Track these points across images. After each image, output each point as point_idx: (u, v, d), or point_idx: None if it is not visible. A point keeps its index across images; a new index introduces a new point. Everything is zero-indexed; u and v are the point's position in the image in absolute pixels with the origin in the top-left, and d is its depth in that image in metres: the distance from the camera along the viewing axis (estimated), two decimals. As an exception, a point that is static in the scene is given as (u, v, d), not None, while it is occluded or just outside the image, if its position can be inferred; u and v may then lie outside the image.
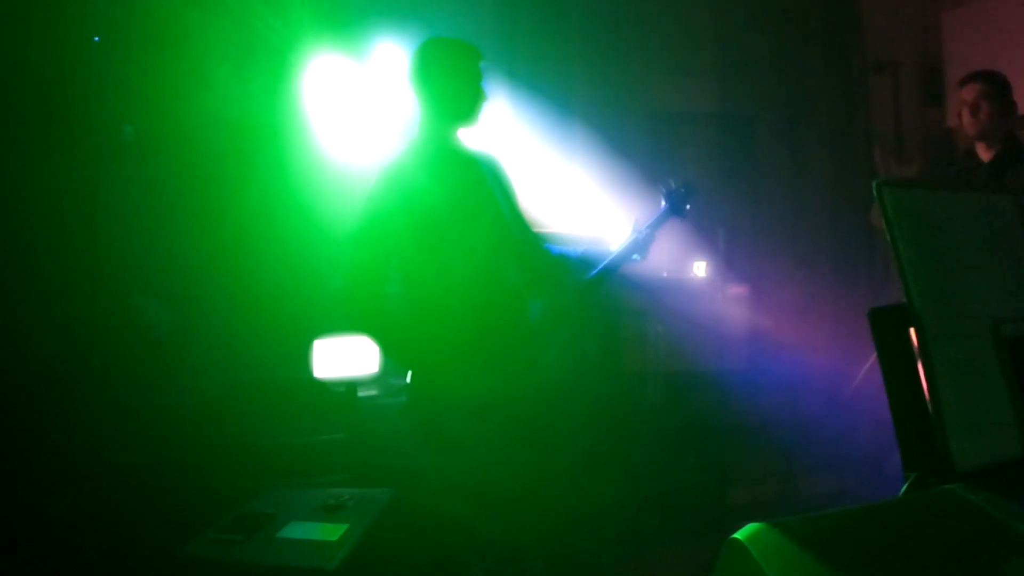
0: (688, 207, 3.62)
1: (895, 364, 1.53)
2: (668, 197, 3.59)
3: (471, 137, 3.36)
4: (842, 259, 6.14)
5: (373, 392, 4.56)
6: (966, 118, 4.29)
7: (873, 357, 4.47)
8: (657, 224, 3.53)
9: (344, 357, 4.58)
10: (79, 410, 4.00)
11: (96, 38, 4.29)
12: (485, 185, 3.30)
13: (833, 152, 6.38)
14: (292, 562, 2.91)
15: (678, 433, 5.01)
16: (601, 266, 3.47)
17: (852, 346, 5.04)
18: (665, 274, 5.12)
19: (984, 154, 4.30)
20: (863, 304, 4.56)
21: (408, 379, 3.22)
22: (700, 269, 5.32)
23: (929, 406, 1.46)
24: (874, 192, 1.49)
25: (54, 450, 3.80)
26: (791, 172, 6.39)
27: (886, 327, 1.54)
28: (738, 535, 1.20)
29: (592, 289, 3.48)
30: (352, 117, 4.82)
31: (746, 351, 5.32)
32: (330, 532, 3.10)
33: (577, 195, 5.17)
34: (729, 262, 5.48)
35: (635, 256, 3.49)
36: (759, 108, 6.36)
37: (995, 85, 4.26)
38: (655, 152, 5.98)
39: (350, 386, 4.28)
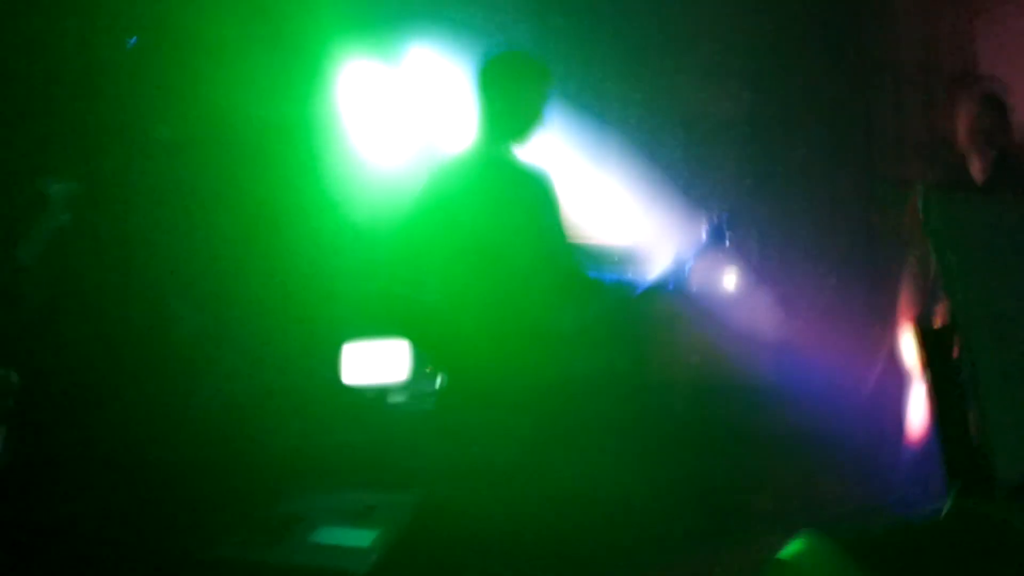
0: (729, 239, 3.56)
1: (939, 375, 1.52)
2: (711, 228, 3.54)
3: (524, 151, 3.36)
4: (873, 267, 6.09)
5: (402, 398, 4.56)
6: (965, 127, 4.19)
7: (882, 363, 4.42)
8: (698, 254, 3.50)
9: (374, 362, 4.58)
10: (108, 410, 4.02)
11: (132, 40, 4.32)
12: (530, 199, 3.31)
13: (868, 156, 6.34)
14: (324, 566, 2.91)
15: (704, 440, 4.99)
16: (639, 291, 3.48)
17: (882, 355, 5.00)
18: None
19: (977, 164, 4.20)
20: (893, 313, 4.49)
21: (438, 384, 3.23)
22: (729, 276, 5.30)
23: (974, 418, 1.45)
24: (920, 201, 1.47)
25: (82, 450, 3.82)
26: (823, 180, 6.35)
27: (931, 338, 1.52)
28: (787, 544, 1.19)
29: (627, 312, 3.48)
30: (385, 121, 4.83)
31: (774, 359, 5.29)
32: (361, 537, 3.11)
33: (610, 203, 5.16)
34: (758, 269, 5.46)
35: (671, 286, 3.47)
36: (792, 115, 6.32)
37: (994, 96, 4.18)
38: (686, 159, 5.96)
39: (381, 391, 4.28)
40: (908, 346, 3.99)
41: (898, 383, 4.24)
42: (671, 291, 3.47)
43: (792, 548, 1.17)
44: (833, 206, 6.28)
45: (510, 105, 3.23)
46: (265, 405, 4.22)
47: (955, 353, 1.52)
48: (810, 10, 6.34)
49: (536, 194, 3.34)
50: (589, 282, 3.48)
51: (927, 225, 1.47)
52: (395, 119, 4.86)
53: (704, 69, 6.10)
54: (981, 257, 1.49)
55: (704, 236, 3.55)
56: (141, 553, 3.62)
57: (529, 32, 5.37)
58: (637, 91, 5.80)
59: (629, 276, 3.56)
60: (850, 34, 6.40)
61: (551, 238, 3.34)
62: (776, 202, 6.19)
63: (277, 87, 4.61)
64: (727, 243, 3.56)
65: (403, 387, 4.59)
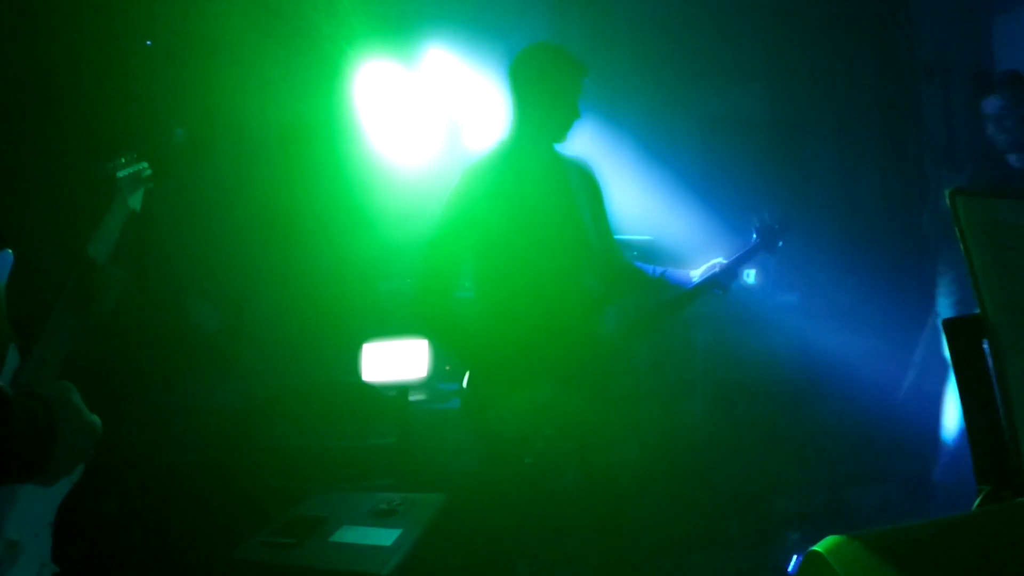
0: (781, 243, 3.42)
1: (969, 376, 1.50)
2: (760, 231, 3.41)
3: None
4: (892, 266, 6.07)
5: (421, 397, 4.57)
6: (992, 131, 4.11)
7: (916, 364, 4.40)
8: (745, 258, 3.36)
9: (393, 361, 4.59)
10: (128, 410, 4.04)
11: (148, 42, 4.33)
12: (568, 192, 3.23)
13: (883, 158, 6.33)
14: (346, 567, 2.91)
15: (725, 442, 4.98)
16: (682, 293, 3.35)
17: (902, 355, 4.98)
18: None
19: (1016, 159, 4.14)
20: (913, 313, 4.48)
21: (465, 382, 3.20)
22: (750, 276, 5.29)
23: (1003, 419, 1.44)
24: (947, 201, 1.46)
25: (103, 449, 3.83)
26: (841, 178, 6.34)
27: (961, 338, 1.51)
28: (818, 547, 1.18)
29: (670, 312, 3.40)
30: (402, 121, 4.84)
31: (795, 359, 5.28)
32: (383, 537, 3.10)
33: (626, 199, 5.15)
34: (779, 269, 5.44)
35: (718, 290, 3.33)
36: (809, 113, 6.32)
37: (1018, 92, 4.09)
38: (704, 157, 5.96)
39: (401, 390, 4.28)
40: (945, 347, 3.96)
41: (929, 384, 4.23)
42: (714, 294, 3.35)
43: (821, 547, 1.16)
44: (883, 209, 6.28)
45: (546, 102, 3.13)
46: (285, 405, 4.23)
47: (984, 353, 1.51)
48: (860, 14, 6.34)
49: (575, 185, 3.28)
50: (637, 274, 3.41)
51: (956, 225, 1.46)
52: (413, 120, 4.87)
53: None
54: (1010, 257, 1.48)
55: (754, 238, 3.42)
56: (162, 554, 3.64)
57: (548, 33, 5.38)
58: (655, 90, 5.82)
59: (671, 275, 3.42)
60: (901, 38, 6.39)
61: (590, 229, 3.27)
62: (825, 205, 6.20)
63: (294, 89, 4.63)
64: (778, 247, 3.43)
65: (422, 385, 4.60)
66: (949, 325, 1.54)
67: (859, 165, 6.35)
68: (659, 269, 3.40)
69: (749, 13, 6.14)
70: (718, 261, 3.36)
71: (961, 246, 1.47)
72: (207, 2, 4.37)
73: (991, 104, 4.08)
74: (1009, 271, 1.46)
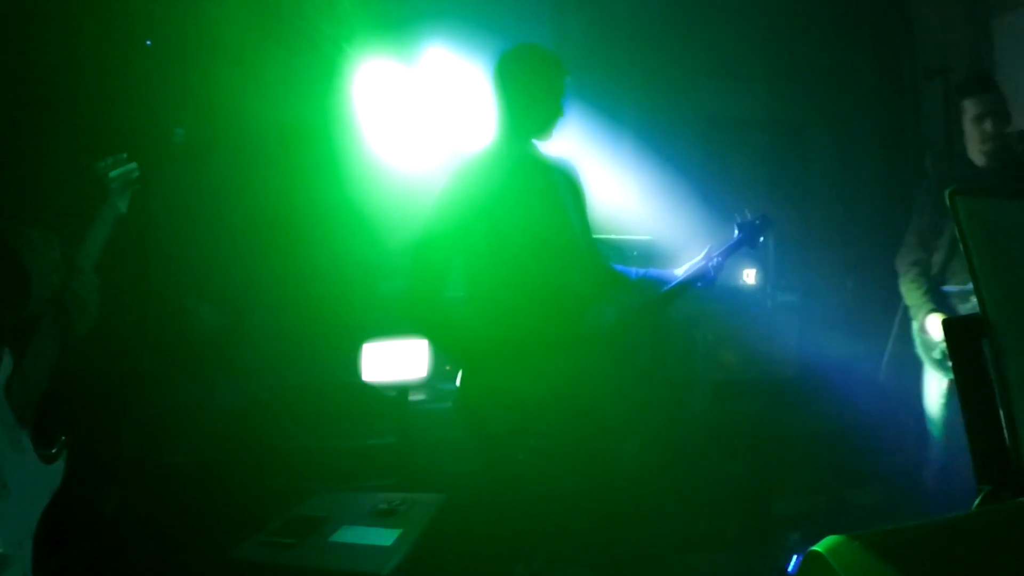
0: (761, 239, 3.50)
1: (969, 376, 1.51)
2: (742, 227, 3.47)
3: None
4: (892, 266, 6.06)
5: (421, 397, 4.56)
6: (974, 130, 4.12)
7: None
8: (728, 253, 3.42)
9: (393, 361, 4.58)
10: (129, 409, 4.03)
11: (148, 42, 4.33)
12: (555, 193, 3.26)
13: (884, 158, 6.32)
14: (346, 567, 2.91)
15: (725, 442, 4.98)
16: (666, 289, 3.39)
17: (902, 356, 4.97)
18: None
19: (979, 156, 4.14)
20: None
21: (458, 381, 3.20)
22: (749, 277, 5.28)
23: (1003, 419, 1.44)
24: (947, 201, 1.46)
25: (103, 449, 3.83)
26: (841, 179, 6.34)
27: (960, 338, 1.51)
28: (818, 547, 1.18)
29: (654, 309, 3.42)
30: (401, 121, 4.83)
31: (795, 360, 5.27)
32: (384, 537, 3.11)
33: (626, 200, 5.15)
34: (779, 270, 5.43)
35: (701, 284, 3.39)
36: (809, 114, 6.32)
37: (998, 98, 4.11)
38: (705, 158, 5.96)
39: (401, 391, 4.28)
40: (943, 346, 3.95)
41: (927, 383, 4.23)
42: (699, 288, 3.39)
43: (821, 547, 1.16)
44: (883, 209, 6.27)
45: (530, 99, 3.17)
46: (285, 405, 4.23)
47: (984, 353, 1.51)
48: (860, 14, 6.34)
49: (561, 186, 3.30)
50: (617, 276, 3.44)
51: (956, 225, 1.46)
52: (412, 119, 4.86)
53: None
54: (1010, 258, 1.48)
55: (736, 234, 3.48)
56: (162, 554, 3.63)
57: (548, 33, 5.38)
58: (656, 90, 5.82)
59: (654, 274, 3.46)
60: (900, 38, 6.39)
61: (577, 230, 3.29)
62: (824, 205, 6.20)
63: (294, 88, 4.62)
64: (759, 243, 3.50)
65: (423, 385, 4.59)
66: (949, 324, 1.54)
67: (859, 165, 6.35)
68: (639, 271, 3.44)
69: (749, 13, 6.14)
70: (702, 256, 3.42)
71: (961, 246, 1.47)
72: (207, 2, 4.36)
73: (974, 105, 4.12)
74: (1009, 271, 1.46)
